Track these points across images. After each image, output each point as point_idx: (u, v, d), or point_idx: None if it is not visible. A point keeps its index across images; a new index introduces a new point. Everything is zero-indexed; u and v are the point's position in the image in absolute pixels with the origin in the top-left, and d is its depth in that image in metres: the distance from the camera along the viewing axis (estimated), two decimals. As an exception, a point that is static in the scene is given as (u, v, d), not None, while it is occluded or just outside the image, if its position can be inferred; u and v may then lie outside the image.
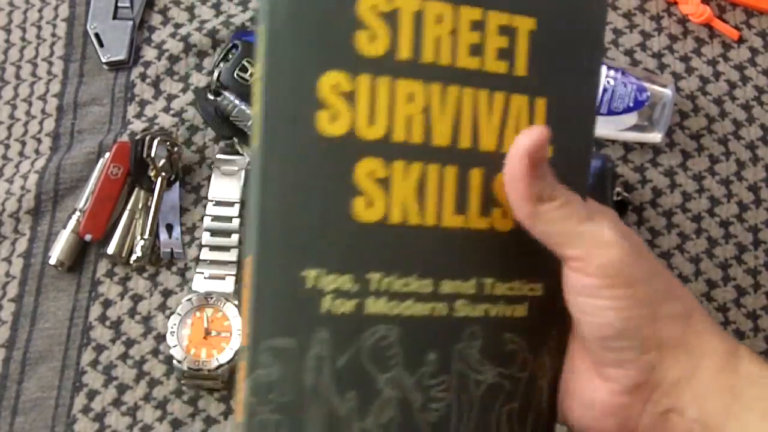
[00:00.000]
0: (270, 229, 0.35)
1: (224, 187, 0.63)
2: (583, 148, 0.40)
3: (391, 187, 0.36)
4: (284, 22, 0.34)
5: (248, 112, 0.63)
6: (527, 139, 0.36)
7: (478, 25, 0.37)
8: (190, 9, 0.70)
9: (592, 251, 0.37)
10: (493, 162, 0.38)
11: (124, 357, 0.60)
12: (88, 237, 0.62)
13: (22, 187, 0.64)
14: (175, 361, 0.58)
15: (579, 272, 0.37)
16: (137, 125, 0.66)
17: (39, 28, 0.70)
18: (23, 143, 0.67)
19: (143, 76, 0.67)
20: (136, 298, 0.62)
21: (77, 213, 0.62)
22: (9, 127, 0.67)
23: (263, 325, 0.35)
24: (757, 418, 0.36)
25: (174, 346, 0.58)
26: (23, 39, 0.70)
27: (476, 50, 0.37)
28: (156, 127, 0.65)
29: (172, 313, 0.59)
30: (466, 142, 0.37)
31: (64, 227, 0.62)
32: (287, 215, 0.35)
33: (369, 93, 0.35)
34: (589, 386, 0.39)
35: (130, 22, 0.68)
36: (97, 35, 0.68)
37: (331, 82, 0.35)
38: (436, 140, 0.37)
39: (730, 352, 0.38)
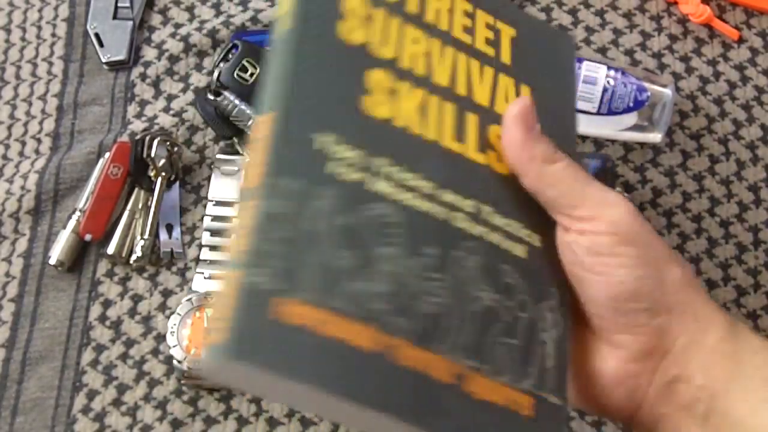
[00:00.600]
0: (297, 90, 0.38)
1: (224, 187, 0.63)
2: (567, 141, 0.43)
3: (397, 99, 0.40)
4: None
5: (248, 111, 0.63)
6: (516, 105, 0.39)
7: (469, 15, 0.43)
8: (190, 9, 0.70)
9: (602, 210, 0.38)
10: (487, 114, 0.42)
11: (124, 357, 0.60)
12: (88, 237, 0.62)
13: (22, 187, 0.64)
14: (175, 361, 0.58)
15: (589, 233, 0.38)
16: (137, 125, 0.66)
17: (39, 28, 0.70)
18: (23, 143, 0.67)
19: (143, 76, 0.67)
20: (136, 298, 0.62)
21: (77, 213, 0.62)
22: (9, 127, 0.67)
23: (276, 164, 0.37)
24: (759, 385, 0.37)
25: (174, 346, 0.58)
26: (23, 39, 0.70)
27: (468, 31, 0.43)
28: (156, 127, 0.65)
29: (172, 313, 0.59)
30: (462, 90, 0.42)
31: (64, 227, 0.62)
32: (312, 85, 0.38)
33: (383, 23, 0.40)
34: (597, 355, 0.39)
35: (130, 22, 0.68)
36: (97, 35, 0.68)
37: (353, 4, 0.40)
38: (437, 78, 0.41)
39: (730, 321, 0.38)
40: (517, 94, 0.43)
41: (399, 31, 0.41)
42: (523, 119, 0.39)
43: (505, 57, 0.44)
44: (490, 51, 0.43)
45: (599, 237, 0.37)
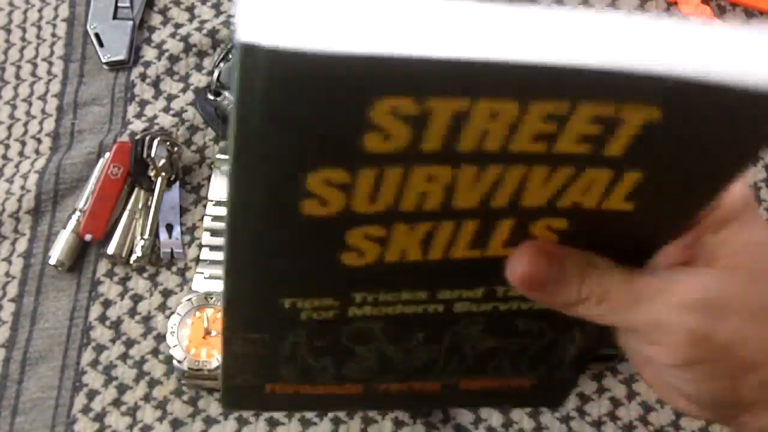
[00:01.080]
0: (241, 271, 0.33)
1: (224, 187, 0.63)
2: (682, 223, 0.32)
3: (389, 242, 0.31)
4: (259, 119, 0.25)
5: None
6: (516, 267, 0.32)
7: (556, 118, 0.26)
8: (190, 9, 0.70)
9: (659, 335, 0.32)
10: (537, 212, 0.31)
11: (124, 357, 0.60)
12: (88, 237, 0.62)
13: (22, 187, 0.64)
14: (175, 361, 0.58)
15: (651, 350, 0.33)
16: (137, 125, 0.66)
17: (39, 28, 0.70)
18: (23, 143, 0.67)
19: (143, 76, 0.67)
20: (136, 298, 0.62)
21: (77, 213, 0.62)
22: (9, 127, 0.67)
23: (235, 325, 0.36)
24: None
25: (174, 346, 0.58)
26: (23, 39, 0.70)
27: (544, 138, 0.27)
28: (156, 127, 0.65)
29: (172, 313, 0.59)
30: (502, 201, 0.30)
31: (64, 227, 0.62)
32: (259, 266, 0.33)
33: (372, 182, 0.28)
34: (675, 385, 0.36)
35: (130, 22, 0.68)
36: (97, 35, 0.68)
37: (323, 177, 0.28)
38: (459, 203, 0.30)
39: None
40: (610, 185, 0.29)
41: (400, 180, 0.28)
42: (528, 284, 0.32)
43: (614, 148, 0.27)
44: (582, 148, 0.27)
45: (662, 357, 0.33)
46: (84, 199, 0.63)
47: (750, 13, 0.69)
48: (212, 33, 0.68)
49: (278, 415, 0.58)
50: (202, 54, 0.68)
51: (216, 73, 0.64)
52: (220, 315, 0.59)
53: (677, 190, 0.30)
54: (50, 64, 0.69)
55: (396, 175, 0.28)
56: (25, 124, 0.67)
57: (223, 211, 0.62)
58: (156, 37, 0.69)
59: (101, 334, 0.61)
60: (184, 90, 0.67)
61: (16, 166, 0.66)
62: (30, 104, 0.68)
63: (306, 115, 0.25)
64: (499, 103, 0.25)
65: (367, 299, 0.34)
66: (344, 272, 0.32)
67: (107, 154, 0.63)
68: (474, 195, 0.29)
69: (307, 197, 0.28)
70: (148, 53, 0.68)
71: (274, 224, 0.30)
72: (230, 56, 0.64)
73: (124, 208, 0.63)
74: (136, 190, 0.63)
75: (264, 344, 0.37)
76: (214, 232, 0.62)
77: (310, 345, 0.37)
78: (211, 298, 0.59)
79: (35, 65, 0.69)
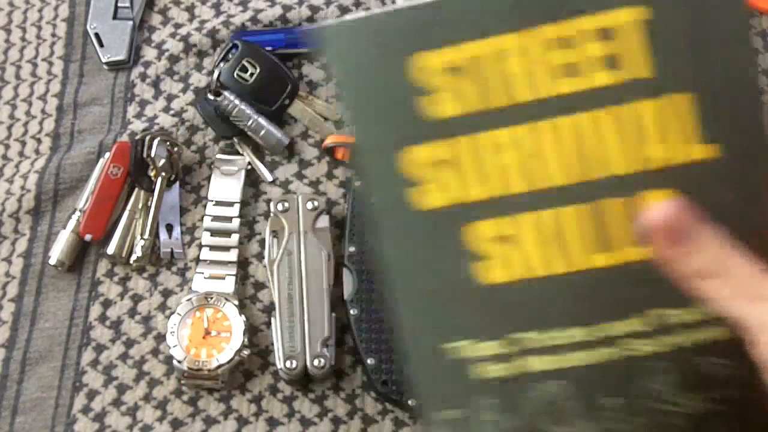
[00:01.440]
0: (406, 312, 0.34)
1: (224, 187, 0.63)
2: (757, 143, 0.32)
3: (510, 245, 0.33)
4: (352, 95, 0.33)
5: (248, 111, 0.63)
6: (657, 212, 0.31)
7: (565, 43, 0.30)
8: (190, 9, 0.70)
9: (760, 337, 0.31)
10: (634, 182, 0.32)
11: (124, 357, 0.60)
12: (88, 237, 0.62)
13: (22, 187, 0.64)
14: (175, 361, 0.58)
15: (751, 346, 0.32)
16: (137, 125, 0.66)
17: (39, 28, 0.70)
18: (23, 143, 0.67)
19: (143, 76, 0.67)
20: (136, 298, 0.62)
21: (77, 213, 0.62)
22: (9, 127, 0.67)
23: (429, 400, 0.35)
24: None
25: (174, 346, 0.58)
26: (23, 39, 0.70)
27: (572, 70, 0.30)
28: (156, 127, 0.65)
29: (172, 313, 0.59)
30: (589, 170, 0.31)
31: (64, 227, 0.62)
32: (415, 295, 0.34)
33: (472, 153, 0.32)
34: None
35: (130, 22, 0.69)
36: (97, 35, 0.68)
37: (410, 158, 0.32)
38: (548, 181, 0.32)
39: None
40: (677, 116, 0.31)
41: (477, 152, 0.31)
42: (666, 234, 0.31)
43: (637, 67, 0.30)
44: (611, 78, 0.31)
45: (758, 356, 0.31)
46: (84, 199, 0.63)
47: (750, 13, 0.69)
48: (212, 33, 0.68)
49: (278, 415, 0.58)
50: (202, 54, 0.68)
51: (216, 73, 0.64)
52: (219, 315, 0.59)
53: (738, 113, 0.30)
54: (50, 64, 0.69)
55: (488, 141, 0.31)
56: (25, 124, 0.67)
57: (223, 210, 0.63)
58: (156, 37, 0.69)
59: (101, 334, 0.61)
60: (184, 90, 0.67)
61: (16, 166, 0.66)
62: (30, 104, 0.68)
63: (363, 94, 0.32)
64: (501, 40, 0.30)
65: (533, 342, 0.34)
66: (489, 295, 0.33)
67: (107, 154, 0.63)
68: (555, 165, 0.31)
69: (408, 185, 0.32)
70: (148, 53, 0.68)
71: (397, 228, 0.33)
72: (230, 56, 0.64)
73: (124, 208, 0.63)
74: (136, 190, 0.63)
75: (460, 427, 0.35)
76: (213, 232, 0.62)
77: (501, 426, 0.35)
78: (211, 298, 0.59)
79: (35, 65, 0.69)
